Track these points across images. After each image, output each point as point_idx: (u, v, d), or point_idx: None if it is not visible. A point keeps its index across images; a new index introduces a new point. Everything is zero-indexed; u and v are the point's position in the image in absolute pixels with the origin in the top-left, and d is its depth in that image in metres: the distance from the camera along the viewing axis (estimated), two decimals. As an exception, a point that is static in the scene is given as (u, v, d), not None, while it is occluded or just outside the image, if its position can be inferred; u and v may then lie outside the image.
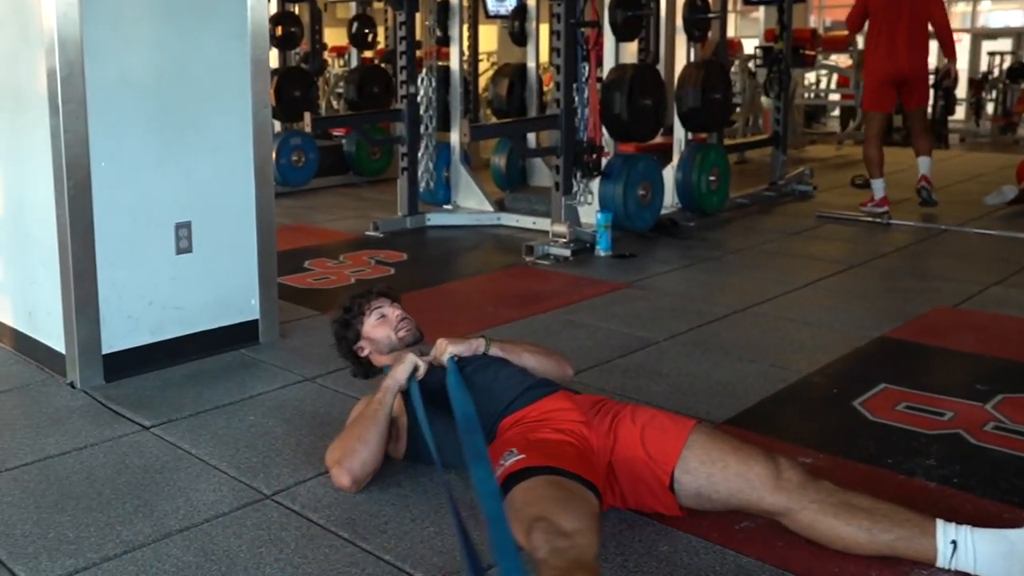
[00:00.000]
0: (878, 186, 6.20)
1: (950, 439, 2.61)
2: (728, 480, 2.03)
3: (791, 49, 7.02)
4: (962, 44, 16.79)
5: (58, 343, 3.08)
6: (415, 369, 2.34)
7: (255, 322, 3.45)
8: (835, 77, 11.93)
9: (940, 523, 1.91)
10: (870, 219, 5.98)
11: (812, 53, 9.74)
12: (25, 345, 3.30)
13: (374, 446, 2.25)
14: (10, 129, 3.22)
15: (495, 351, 2.43)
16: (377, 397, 2.32)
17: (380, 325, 2.56)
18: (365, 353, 2.59)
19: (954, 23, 17.42)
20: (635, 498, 2.15)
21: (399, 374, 2.33)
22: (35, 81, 2.97)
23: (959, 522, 1.92)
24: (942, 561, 1.88)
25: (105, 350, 3.05)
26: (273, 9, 7.89)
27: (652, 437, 2.12)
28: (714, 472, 2.04)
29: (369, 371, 2.63)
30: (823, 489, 1.99)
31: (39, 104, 2.95)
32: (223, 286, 3.36)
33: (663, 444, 2.10)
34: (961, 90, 12.97)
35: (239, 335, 3.40)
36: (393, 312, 2.57)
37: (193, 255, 3.24)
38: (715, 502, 2.07)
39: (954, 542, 1.88)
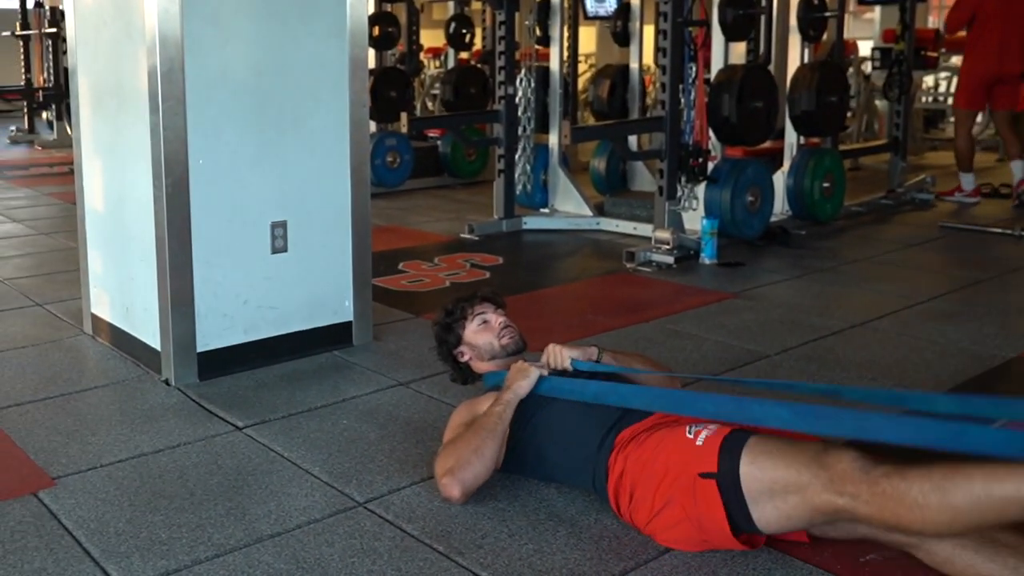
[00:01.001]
0: (968, 179, 6.61)
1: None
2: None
3: (913, 50, 6.66)
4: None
5: (154, 340, 3.07)
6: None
7: (349, 324, 3.39)
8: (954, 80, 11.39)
9: None
10: (999, 231, 5.58)
11: (935, 55, 9.26)
12: (122, 341, 3.31)
13: (489, 460, 2.14)
14: (112, 126, 3.24)
15: (607, 360, 2.33)
16: (496, 410, 2.20)
17: (482, 331, 2.46)
18: (465, 358, 2.51)
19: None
20: None
21: (523, 388, 2.22)
22: (136, 78, 2.96)
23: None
24: None
25: (200, 348, 3.02)
26: (371, 9, 7.92)
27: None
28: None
29: (468, 377, 2.55)
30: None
31: (140, 101, 2.94)
32: (317, 287, 3.30)
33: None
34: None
35: (333, 336, 3.34)
36: (496, 319, 2.47)
37: (288, 254, 3.19)
38: (839, 529, 1.90)
39: None
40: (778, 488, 1.81)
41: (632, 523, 2.05)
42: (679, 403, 2.14)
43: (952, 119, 12.51)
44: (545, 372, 2.26)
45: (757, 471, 1.84)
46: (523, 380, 2.23)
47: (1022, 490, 1.57)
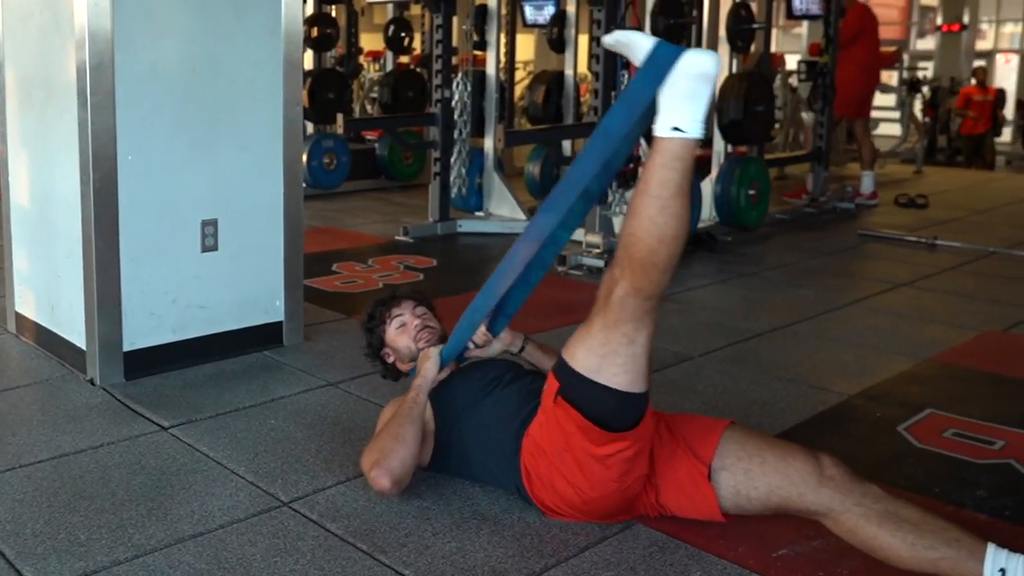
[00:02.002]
0: (871, 181, 7.12)
1: (1001, 469, 2.48)
2: (767, 475, 1.95)
3: (836, 64, 6.87)
4: (1011, 65, 16.58)
5: (79, 339, 3.03)
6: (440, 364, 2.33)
7: (279, 324, 3.38)
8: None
9: (992, 548, 1.79)
10: (914, 239, 5.81)
11: (856, 68, 9.57)
12: (47, 340, 3.25)
13: (411, 445, 2.17)
14: (39, 120, 3.18)
15: (530, 350, 2.42)
16: (409, 396, 2.25)
17: (401, 334, 2.49)
18: (391, 360, 2.53)
19: (1003, 43, 17.28)
20: (670, 495, 2.06)
21: (430, 371, 2.29)
22: (65, 71, 2.92)
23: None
24: None
25: (126, 347, 2.99)
26: (309, 10, 7.87)
27: (688, 429, 2.09)
28: (752, 468, 1.97)
29: (397, 375, 2.57)
30: (870, 493, 1.90)
31: (68, 95, 2.91)
32: (248, 286, 3.29)
33: (700, 434, 2.05)
34: (1009, 111, 12.75)
35: (263, 336, 3.34)
36: (413, 320, 2.49)
37: (219, 253, 3.18)
38: (754, 501, 1.98)
39: (1003, 570, 1.75)
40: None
41: (565, 510, 2.10)
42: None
43: (874, 132, 12.98)
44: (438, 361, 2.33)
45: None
46: (428, 363, 2.30)
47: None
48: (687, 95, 1.82)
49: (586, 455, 2.00)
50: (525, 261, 2.11)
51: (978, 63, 14.54)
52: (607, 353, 1.93)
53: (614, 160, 2.01)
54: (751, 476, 1.97)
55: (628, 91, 1.91)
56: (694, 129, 1.83)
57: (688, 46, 6.22)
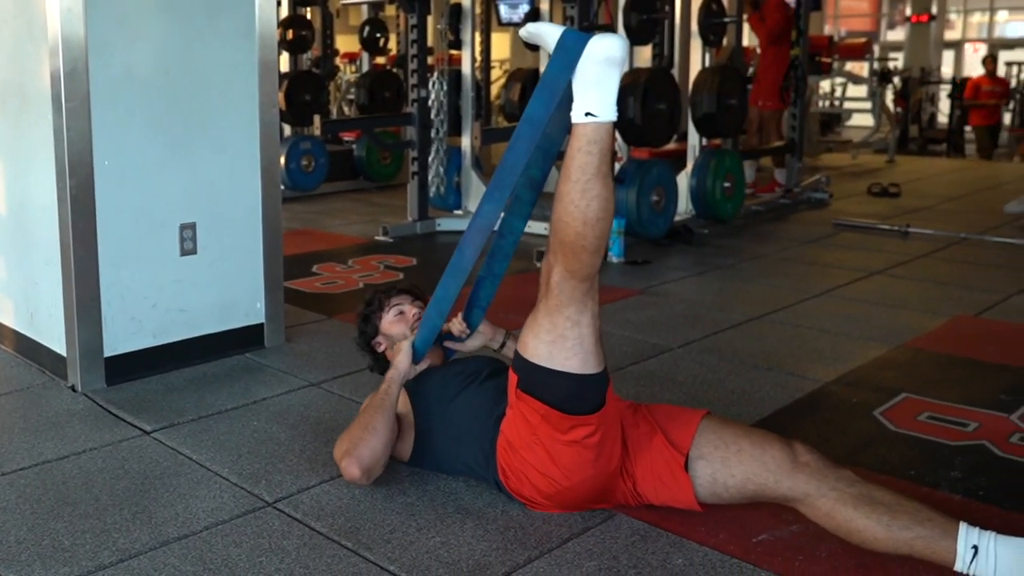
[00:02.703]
0: (785, 173, 7.06)
1: (975, 450, 2.53)
2: (744, 463, 1.99)
3: (807, 56, 6.94)
4: (979, 54, 16.77)
5: (59, 345, 3.02)
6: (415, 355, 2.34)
7: (260, 326, 3.39)
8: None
9: (963, 526, 1.83)
10: (888, 227, 5.89)
11: (828, 60, 9.67)
12: (26, 347, 3.24)
13: (382, 434, 2.19)
14: (14, 127, 3.17)
15: (512, 345, 2.40)
16: (382, 388, 2.27)
17: (397, 322, 2.51)
18: (382, 349, 2.55)
19: (971, 33, 17.51)
20: (647, 484, 2.09)
21: (401, 363, 2.30)
22: (39, 78, 2.92)
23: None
24: (960, 565, 1.80)
25: (107, 353, 2.99)
26: (284, 12, 7.86)
27: (666, 419, 2.12)
28: (728, 456, 2.01)
29: (385, 367, 2.58)
30: (844, 478, 1.94)
31: (43, 101, 2.90)
32: (228, 289, 3.30)
33: (677, 424, 2.09)
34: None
35: (244, 339, 3.34)
36: (411, 310, 2.52)
37: (198, 257, 3.18)
38: (731, 489, 2.01)
39: (975, 547, 1.80)
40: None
41: (543, 502, 2.13)
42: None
43: (847, 123, 13.10)
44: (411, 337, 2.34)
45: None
46: (399, 355, 2.32)
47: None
48: (596, 81, 1.87)
49: (554, 443, 2.03)
50: (477, 249, 2.15)
51: (985, 54, 13.93)
52: (555, 339, 1.97)
53: (548, 145, 2.08)
54: (728, 464, 2.00)
55: (544, 79, 1.95)
56: (606, 113, 1.88)
57: (662, 41, 6.22)
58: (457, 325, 2.35)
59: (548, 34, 1.93)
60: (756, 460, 1.98)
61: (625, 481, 2.11)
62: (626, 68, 1.81)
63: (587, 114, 1.87)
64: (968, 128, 12.43)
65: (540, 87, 1.95)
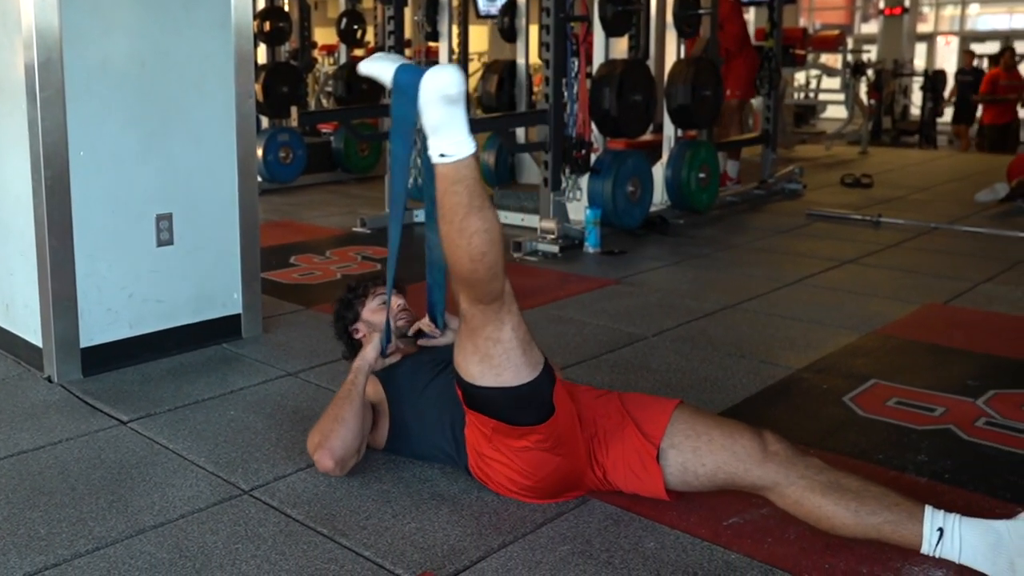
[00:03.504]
0: (736, 167, 7.11)
1: (941, 434, 2.58)
2: (714, 453, 2.02)
3: (781, 48, 7.00)
4: (951, 47, 16.94)
5: (35, 337, 3.02)
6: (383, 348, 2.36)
7: (237, 316, 3.40)
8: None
9: (929, 510, 1.87)
10: (859, 217, 5.96)
11: (802, 52, 9.75)
12: (2, 339, 3.23)
13: (352, 424, 2.21)
14: (-13, 118, 3.16)
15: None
16: (349, 378, 2.29)
17: (380, 310, 2.52)
18: (359, 335, 2.56)
19: (942, 26, 17.67)
20: (617, 473, 2.12)
21: (368, 353, 2.32)
22: (13, 69, 2.91)
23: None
24: (927, 548, 1.84)
25: (83, 344, 2.99)
26: (261, 4, 7.83)
27: (639, 409, 2.14)
28: (700, 446, 2.04)
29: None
30: (812, 466, 1.97)
31: (17, 92, 2.89)
32: (205, 279, 3.30)
33: (650, 414, 2.11)
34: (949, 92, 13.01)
35: (221, 329, 3.35)
36: (395, 300, 2.53)
37: (174, 247, 3.18)
38: (701, 477, 2.05)
39: (940, 530, 1.84)
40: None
41: (516, 491, 2.16)
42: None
43: (821, 115, 13.19)
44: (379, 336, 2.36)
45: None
46: (367, 346, 2.34)
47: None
48: (439, 122, 1.86)
49: (509, 449, 2.08)
50: (395, 255, 2.19)
51: (1006, 46, 12.26)
52: (481, 358, 1.98)
53: (425, 167, 2.05)
54: (699, 454, 2.03)
55: (394, 118, 1.95)
56: (459, 151, 1.86)
57: (637, 33, 6.24)
58: (427, 325, 2.37)
59: (384, 71, 1.93)
60: (727, 450, 2.01)
61: (596, 470, 2.14)
62: (463, 102, 1.77)
63: (441, 155, 1.86)
64: (968, 125, 11.89)
65: (393, 125, 1.97)
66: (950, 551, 1.83)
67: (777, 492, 1.97)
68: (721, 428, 2.07)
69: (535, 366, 2.02)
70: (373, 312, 2.53)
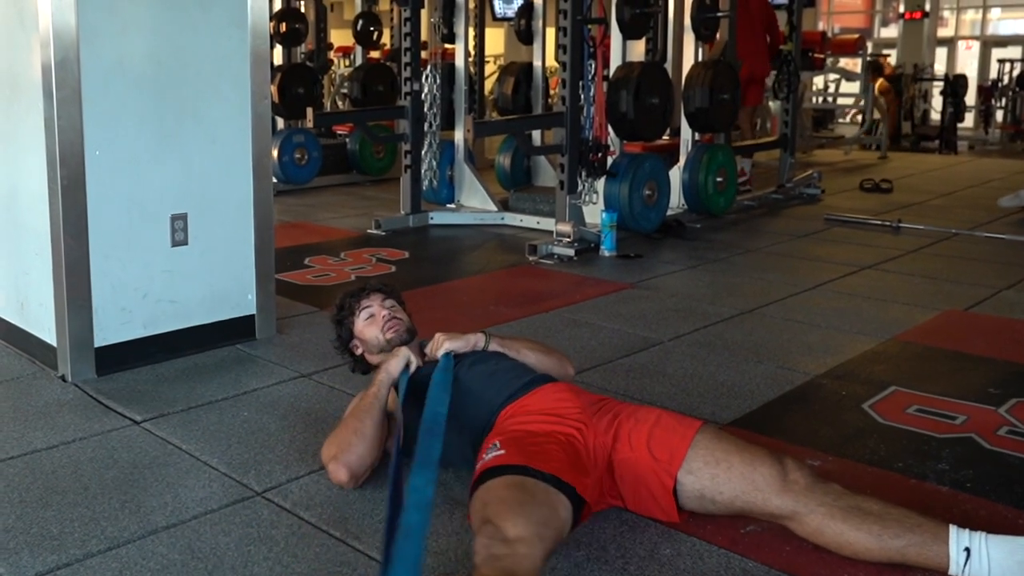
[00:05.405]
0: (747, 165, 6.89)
1: (963, 443, 2.54)
2: (732, 481, 1.97)
3: (800, 52, 6.95)
4: (972, 51, 16.80)
5: (50, 336, 3.02)
6: (408, 363, 2.33)
7: (251, 317, 3.39)
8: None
9: (954, 529, 1.83)
10: (879, 222, 5.91)
11: (821, 56, 9.69)
12: (17, 337, 3.24)
13: (370, 439, 2.19)
14: (5, 117, 3.16)
15: (495, 346, 2.40)
16: (371, 391, 2.28)
17: (369, 325, 2.50)
18: (359, 351, 2.55)
19: (963, 31, 17.52)
20: (634, 501, 2.09)
21: (392, 367, 2.31)
22: (30, 68, 2.91)
23: (973, 528, 1.84)
24: (954, 569, 1.80)
25: (98, 343, 2.99)
26: (278, 5, 7.85)
27: (657, 437, 2.07)
28: (718, 473, 1.99)
29: (366, 368, 2.58)
30: (831, 492, 1.93)
31: (33, 91, 2.90)
32: (219, 280, 3.30)
33: (668, 444, 2.05)
34: (970, 97, 12.92)
35: (235, 330, 3.34)
36: (381, 312, 2.51)
37: (189, 247, 3.18)
38: (719, 504, 2.01)
39: (967, 549, 1.80)
40: None
41: None
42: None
43: (840, 120, 13.11)
44: (413, 357, 2.33)
45: None
46: (394, 360, 2.32)
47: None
48: None
49: None
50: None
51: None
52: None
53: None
54: (717, 482, 1.99)
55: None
56: None
57: (655, 36, 6.21)
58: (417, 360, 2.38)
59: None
60: (745, 478, 1.96)
61: (613, 494, 2.11)
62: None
63: None
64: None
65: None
66: (978, 571, 1.79)
67: (797, 521, 1.93)
68: (741, 455, 2.00)
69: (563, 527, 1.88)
70: (364, 327, 2.51)
